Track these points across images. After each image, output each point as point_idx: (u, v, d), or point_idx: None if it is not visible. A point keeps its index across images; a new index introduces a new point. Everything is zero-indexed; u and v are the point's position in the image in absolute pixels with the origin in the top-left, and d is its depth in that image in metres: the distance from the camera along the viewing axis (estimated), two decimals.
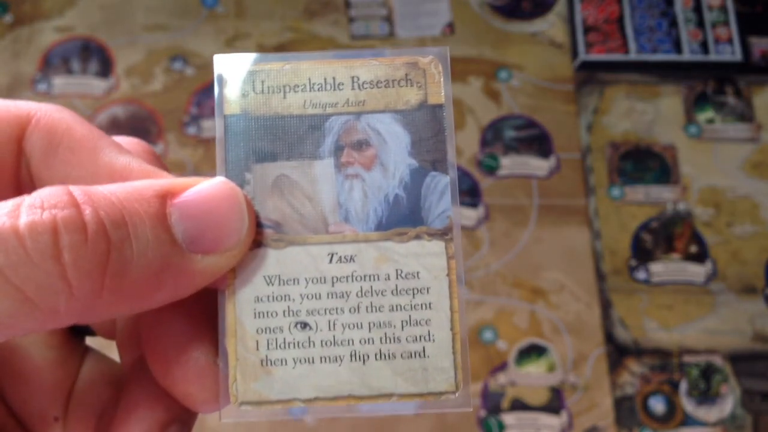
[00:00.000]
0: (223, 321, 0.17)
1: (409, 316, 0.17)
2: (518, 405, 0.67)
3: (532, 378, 0.68)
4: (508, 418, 0.67)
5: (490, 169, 0.76)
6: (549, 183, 0.75)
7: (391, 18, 0.82)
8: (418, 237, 0.17)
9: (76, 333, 0.20)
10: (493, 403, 0.67)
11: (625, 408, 0.68)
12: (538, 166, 0.76)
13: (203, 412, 0.17)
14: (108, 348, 0.21)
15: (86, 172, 0.16)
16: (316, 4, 0.83)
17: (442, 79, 0.18)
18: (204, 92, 0.78)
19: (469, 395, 0.17)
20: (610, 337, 0.70)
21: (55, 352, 0.20)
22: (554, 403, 0.67)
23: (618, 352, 0.69)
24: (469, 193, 0.75)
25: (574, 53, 0.81)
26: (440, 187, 0.17)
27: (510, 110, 0.78)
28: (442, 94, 0.18)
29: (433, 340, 0.17)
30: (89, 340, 0.21)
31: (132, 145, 0.18)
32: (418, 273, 0.17)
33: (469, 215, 0.74)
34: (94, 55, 0.79)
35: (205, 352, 0.17)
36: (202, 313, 0.17)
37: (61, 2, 0.81)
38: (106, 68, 0.79)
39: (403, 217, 0.17)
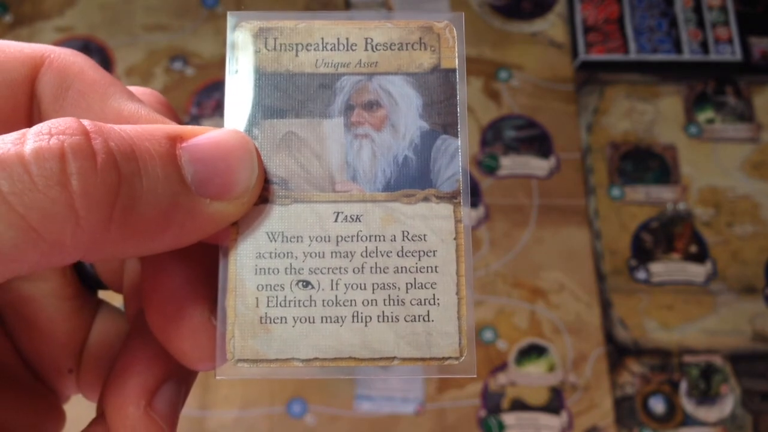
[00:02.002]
0: (223, 276, 0.17)
1: (414, 278, 0.17)
2: (518, 405, 0.67)
3: (532, 378, 0.68)
4: (508, 418, 0.67)
5: (490, 169, 0.76)
6: (549, 183, 0.75)
7: None
8: (426, 199, 0.17)
9: (89, 286, 0.20)
10: (493, 403, 0.67)
11: (625, 408, 0.67)
12: (538, 166, 0.76)
13: (199, 370, 0.17)
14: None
15: (94, 116, 0.16)
16: (316, 5, 0.83)
17: (456, 44, 0.18)
18: (204, 92, 0.78)
19: (473, 361, 0.17)
20: (610, 337, 0.70)
21: (68, 304, 0.20)
22: (554, 403, 0.67)
23: (618, 352, 0.69)
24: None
25: (574, 53, 0.81)
26: (450, 151, 0.17)
27: (510, 110, 0.78)
28: (456, 58, 0.18)
29: (438, 304, 0.17)
30: (102, 294, 0.21)
31: (145, 95, 0.18)
32: (424, 235, 0.17)
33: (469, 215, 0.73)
34: (94, 55, 0.79)
35: (201, 310, 0.17)
36: (203, 272, 0.17)
37: (61, 2, 0.82)
38: (106, 68, 0.78)
39: (412, 179, 0.17)
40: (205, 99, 0.77)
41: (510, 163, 0.76)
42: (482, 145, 0.77)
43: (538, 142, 0.77)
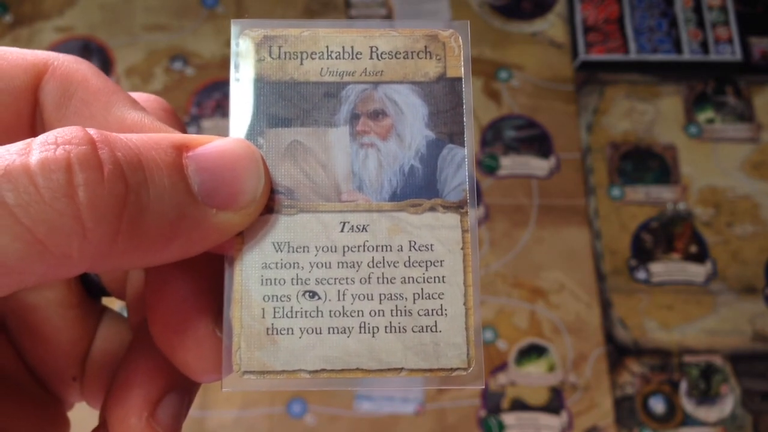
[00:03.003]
0: (228, 287, 0.16)
1: (422, 289, 0.17)
2: (518, 405, 0.67)
3: (532, 378, 0.68)
4: (508, 418, 0.67)
5: (490, 169, 0.76)
6: (549, 183, 0.75)
7: (391, 18, 0.82)
8: (432, 209, 0.17)
9: (93, 293, 0.20)
10: (493, 403, 0.67)
11: (625, 408, 0.68)
12: (538, 166, 0.76)
13: (203, 382, 0.17)
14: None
15: (97, 124, 0.16)
16: (316, 4, 0.83)
17: (461, 53, 0.18)
18: (204, 92, 0.78)
19: (482, 372, 0.16)
20: (610, 337, 0.70)
21: (73, 312, 0.19)
22: (554, 403, 0.67)
23: (618, 352, 0.69)
24: None
25: (574, 53, 0.81)
26: (457, 160, 0.17)
27: (510, 110, 0.78)
28: (462, 67, 0.18)
29: (446, 315, 0.17)
30: (104, 299, 0.21)
31: (149, 102, 0.18)
32: (431, 245, 0.17)
33: None
34: (94, 55, 0.79)
35: (205, 321, 0.16)
36: (207, 283, 0.17)
37: (61, 2, 0.81)
38: (106, 68, 0.79)
39: (418, 189, 0.17)
40: (205, 99, 0.77)
41: (510, 163, 0.76)
42: (482, 145, 0.77)
43: (538, 142, 0.77)
